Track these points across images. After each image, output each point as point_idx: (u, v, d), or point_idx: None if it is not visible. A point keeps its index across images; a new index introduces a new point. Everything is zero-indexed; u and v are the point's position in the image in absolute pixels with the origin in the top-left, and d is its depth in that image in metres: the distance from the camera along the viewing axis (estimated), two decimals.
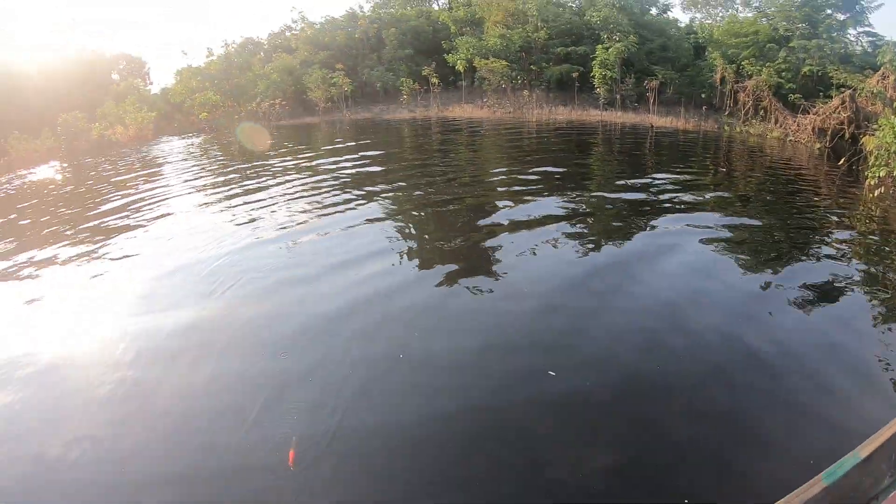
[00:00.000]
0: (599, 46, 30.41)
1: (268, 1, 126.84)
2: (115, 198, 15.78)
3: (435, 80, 35.47)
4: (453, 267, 8.32)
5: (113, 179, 19.91)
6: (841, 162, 16.53)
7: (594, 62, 30.46)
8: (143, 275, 9.00)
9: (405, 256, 8.95)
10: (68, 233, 12.32)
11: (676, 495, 4.03)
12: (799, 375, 5.60)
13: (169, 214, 13.05)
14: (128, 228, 11.93)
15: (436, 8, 50.33)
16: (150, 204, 14.31)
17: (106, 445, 4.87)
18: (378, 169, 17.43)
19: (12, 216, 14.96)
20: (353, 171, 17.16)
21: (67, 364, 6.30)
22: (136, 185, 17.83)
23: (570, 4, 36.34)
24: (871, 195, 12.27)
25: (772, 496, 2.46)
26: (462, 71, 35.79)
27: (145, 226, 12.10)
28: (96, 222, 12.96)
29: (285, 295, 7.82)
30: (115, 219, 13.02)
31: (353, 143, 24.34)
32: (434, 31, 42.73)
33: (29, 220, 14.23)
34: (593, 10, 32.26)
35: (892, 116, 12.10)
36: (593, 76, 30.70)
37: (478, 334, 6.40)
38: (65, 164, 27.65)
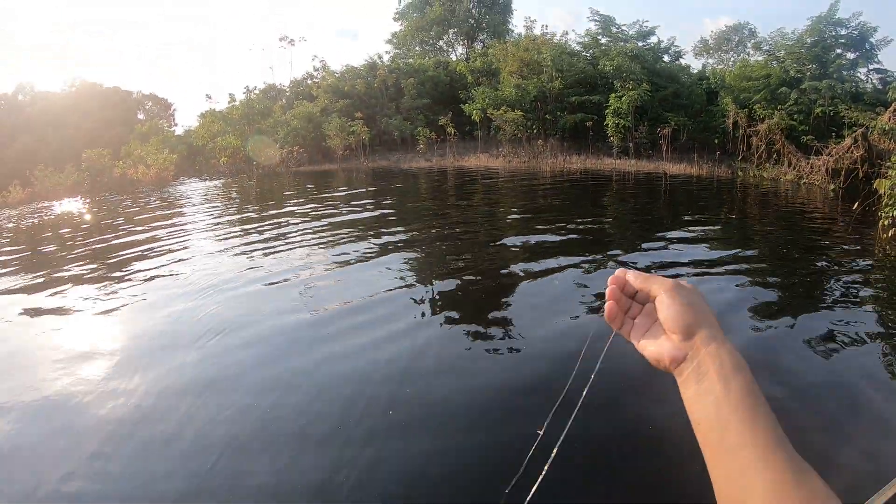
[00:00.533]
0: (612, 95, 31.02)
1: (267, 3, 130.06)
2: (133, 235, 16.53)
3: (451, 130, 36.27)
4: (473, 325, 8.21)
5: (134, 217, 20.79)
6: (855, 206, 16.57)
7: (607, 111, 31.05)
8: (147, 315, 9.20)
9: (419, 308, 8.96)
10: (80, 268, 12.92)
11: None
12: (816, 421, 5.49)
13: (183, 255, 13.39)
14: (139, 267, 12.30)
15: (453, 58, 51.79)
16: (166, 244, 14.80)
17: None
18: (394, 218, 17.87)
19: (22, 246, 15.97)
20: (369, 218, 17.61)
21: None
22: (156, 224, 18.60)
23: (584, 54, 37.03)
24: (884, 236, 12.11)
25: None
26: (478, 121, 36.58)
27: (158, 266, 12.41)
28: (113, 259, 13.51)
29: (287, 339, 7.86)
30: (129, 256, 13.56)
31: (370, 191, 25.01)
32: (451, 82, 43.94)
33: (43, 252, 15.21)
34: (606, 60, 32.85)
35: None
36: (606, 125, 31.24)
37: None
38: (87, 200, 28.71)
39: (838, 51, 30.24)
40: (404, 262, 11.79)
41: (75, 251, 14.98)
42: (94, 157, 35.13)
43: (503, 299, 9.29)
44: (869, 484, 3.46)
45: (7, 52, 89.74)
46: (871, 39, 30.20)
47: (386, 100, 43.94)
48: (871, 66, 30.75)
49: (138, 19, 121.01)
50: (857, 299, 9.08)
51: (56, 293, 10.83)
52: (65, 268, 13.02)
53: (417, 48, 56.94)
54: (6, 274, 13.12)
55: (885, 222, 12.17)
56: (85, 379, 6.79)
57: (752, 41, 34.48)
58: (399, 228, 15.56)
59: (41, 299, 10.55)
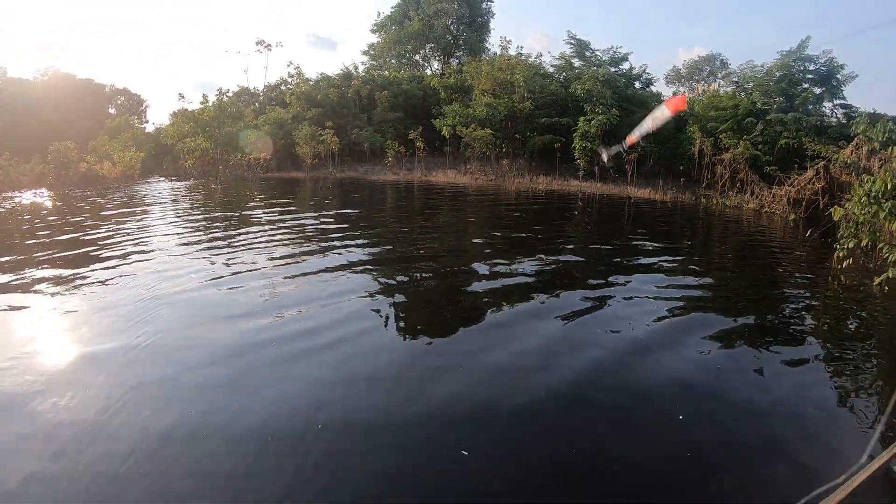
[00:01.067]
0: (582, 119, 31.04)
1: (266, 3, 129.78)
2: (92, 231, 16.10)
3: (420, 145, 36.04)
4: (427, 332, 8.27)
5: (97, 213, 20.29)
6: (808, 233, 16.58)
7: (575, 134, 31.07)
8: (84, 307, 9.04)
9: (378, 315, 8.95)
10: (35, 259, 12.61)
11: None
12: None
13: (138, 253, 13.11)
14: (91, 267, 11.86)
15: (429, 73, 51.67)
16: (122, 243, 14.38)
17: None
18: (356, 228, 17.58)
19: None
20: (331, 227, 17.37)
21: None
22: (116, 221, 18.16)
23: (557, 77, 37.14)
24: (838, 266, 12.06)
25: None
26: (447, 137, 36.39)
27: (109, 263, 12.09)
28: (67, 252, 13.19)
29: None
30: (82, 254, 13.14)
31: (335, 201, 24.68)
32: (425, 96, 43.76)
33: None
34: (578, 83, 32.93)
35: (860, 188, 11.36)
36: (574, 147, 31.26)
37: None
38: (51, 193, 28.04)
39: (805, 85, 30.66)
40: (362, 275, 11.47)
41: (30, 245, 14.40)
42: (61, 150, 34.09)
43: (459, 316, 9.15)
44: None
45: (7, 51, 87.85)
46: (838, 75, 30.61)
47: (358, 111, 43.60)
48: (836, 101, 31.12)
49: (138, 19, 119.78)
50: (806, 327, 9.32)
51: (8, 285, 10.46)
52: (19, 261, 12.52)
53: (393, 61, 56.73)
54: None
55: (840, 254, 11.97)
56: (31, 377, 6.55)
57: (723, 72, 34.76)
58: (359, 241, 15.18)
59: None
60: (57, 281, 10.68)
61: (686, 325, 8.91)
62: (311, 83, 47.04)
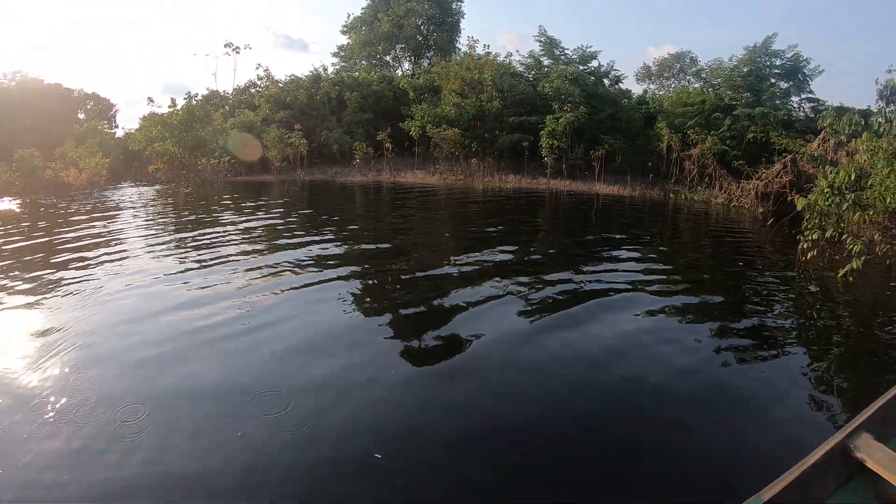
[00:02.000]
0: (549, 117, 30.82)
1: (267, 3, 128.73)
2: (56, 238, 15.70)
3: (389, 146, 35.57)
4: (406, 333, 8.21)
5: (59, 220, 19.75)
6: (769, 223, 16.39)
7: (542, 132, 30.84)
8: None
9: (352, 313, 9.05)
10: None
11: None
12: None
13: (99, 260, 12.76)
14: (48, 273, 11.55)
15: (400, 74, 51.24)
16: (85, 248, 14.13)
17: None
18: (325, 229, 17.26)
19: None
20: (295, 229, 17.18)
21: None
22: (81, 228, 17.57)
23: (526, 75, 36.90)
24: (803, 258, 11.77)
25: None
26: (415, 137, 35.98)
27: (70, 270, 11.77)
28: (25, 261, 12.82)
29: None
30: (38, 261, 12.88)
31: (304, 203, 24.73)
32: (395, 97, 43.26)
33: None
34: (546, 82, 32.71)
35: (823, 180, 11.39)
36: (541, 145, 31.03)
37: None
38: (16, 201, 27.36)
39: (772, 80, 30.81)
40: (338, 278, 11.12)
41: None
42: (26, 157, 33.23)
43: (434, 320, 8.84)
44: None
45: (6, 50, 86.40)
46: (805, 70, 30.78)
47: (328, 112, 42.99)
48: (803, 96, 31.35)
49: (138, 19, 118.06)
50: (770, 317, 9.31)
51: None
52: None
53: (364, 62, 56.17)
54: None
55: (805, 245, 11.76)
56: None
57: (693, 69, 34.73)
58: (328, 242, 14.92)
59: None
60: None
61: (657, 319, 8.82)
62: (280, 85, 46.32)
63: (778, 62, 30.81)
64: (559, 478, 4.70)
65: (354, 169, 37.30)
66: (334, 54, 59.11)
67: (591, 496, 4.49)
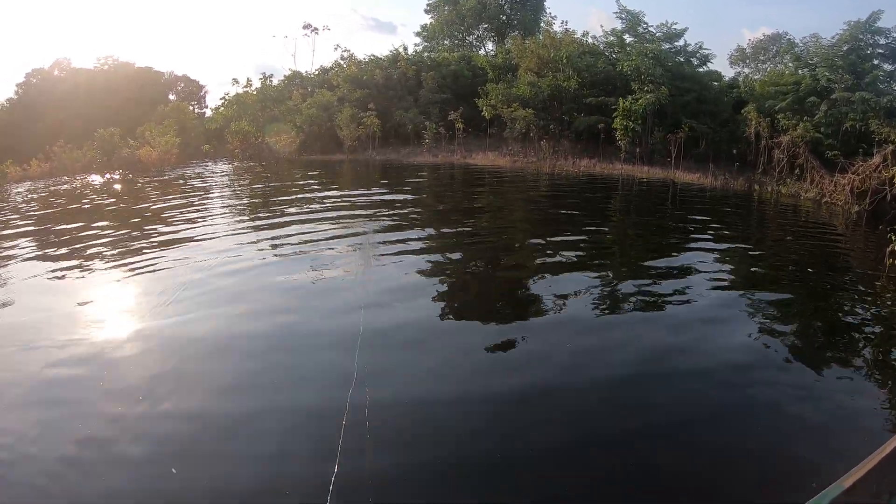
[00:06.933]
0: (623, 98, 29.31)
1: None
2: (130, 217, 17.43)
3: (460, 126, 34.93)
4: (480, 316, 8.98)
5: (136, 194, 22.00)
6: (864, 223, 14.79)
7: (616, 114, 29.39)
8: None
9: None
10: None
11: None
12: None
13: (176, 236, 14.32)
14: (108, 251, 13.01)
15: (482, 53, 50.35)
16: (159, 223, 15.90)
17: None
18: (401, 211, 18.06)
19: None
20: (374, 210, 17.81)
21: None
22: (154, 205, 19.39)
23: (606, 54, 35.31)
24: (891, 261, 10.84)
25: None
26: (488, 117, 35.18)
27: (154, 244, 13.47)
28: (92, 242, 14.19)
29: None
30: (109, 239, 14.22)
31: (369, 184, 24.95)
32: (473, 77, 42.44)
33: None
34: (626, 60, 31.20)
35: None
36: (615, 128, 29.59)
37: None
38: (94, 178, 30.11)
39: (875, 61, 28.16)
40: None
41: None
42: (105, 137, 35.26)
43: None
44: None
45: (46, 26, 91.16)
46: None
47: (404, 92, 42.79)
48: None
49: (199, 3, 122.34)
50: (854, 331, 8.72)
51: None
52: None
53: (447, 42, 55.52)
54: None
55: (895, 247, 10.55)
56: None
57: (791, 51, 32.33)
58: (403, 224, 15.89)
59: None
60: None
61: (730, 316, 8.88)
62: (361, 65, 46.48)
63: (883, 41, 28.06)
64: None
65: (425, 149, 36.92)
66: (417, 34, 58.91)
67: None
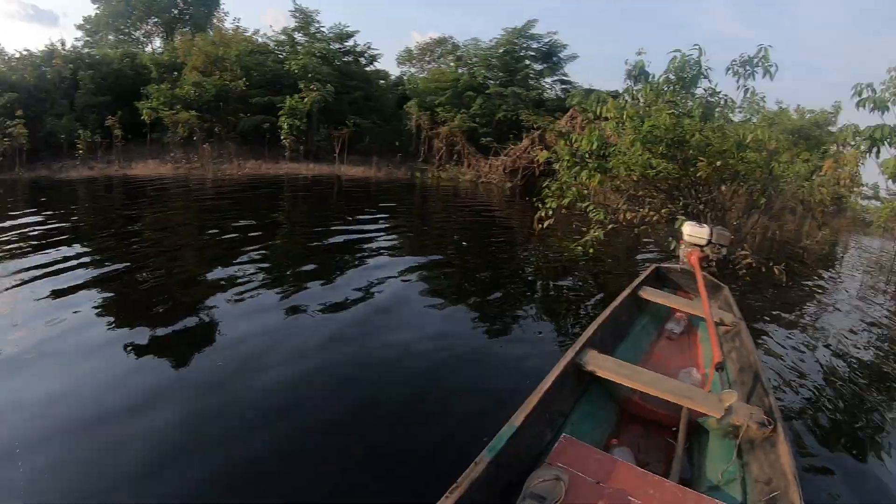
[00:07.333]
0: (292, 96, 28.36)
1: None
2: None
3: (118, 132, 30.83)
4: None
5: None
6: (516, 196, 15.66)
7: (281, 112, 28.60)
8: None
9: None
10: None
11: None
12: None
13: None
14: None
15: (148, 50, 45.64)
16: None
17: None
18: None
19: None
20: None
21: None
22: None
23: (277, 53, 33.84)
24: (539, 226, 11.61)
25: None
26: (148, 121, 31.55)
27: None
28: None
29: None
30: None
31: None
32: (136, 76, 37.91)
33: None
34: (294, 59, 30.06)
35: (566, 147, 11.43)
36: (280, 126, 28.63)
37: None
38: None
39: (527, 62, 31.05)
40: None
41: None
42: None
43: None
44: None
45: None
46: (560, 54, 31.32)
47: (59, 96, 36.75)
48: (556, 77, 31.82)
49: None
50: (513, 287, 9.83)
51: None
52: None
53: (111, 37, 49.42)
54: None
55: (542, 213, 11.42)
56: None
57: (454, 53, 34.03)
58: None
59: None
60: None
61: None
62: (12, 63, 39.03)
63: (535, 45, 31.18)
64: None
65: (80, 161, 31.94)
66: (79, 27, 50.96)
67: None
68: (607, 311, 5.09)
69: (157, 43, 49.64)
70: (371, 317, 7.75)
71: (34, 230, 13.36)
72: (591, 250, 10.57)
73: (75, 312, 7.34)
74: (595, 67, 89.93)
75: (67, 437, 4.54)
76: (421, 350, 6.69)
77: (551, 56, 31.51)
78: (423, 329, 7.45)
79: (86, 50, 43.26)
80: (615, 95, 18.92)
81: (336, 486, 4.12)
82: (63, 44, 43.10)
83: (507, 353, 6.64)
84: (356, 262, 10.75)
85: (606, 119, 11.34)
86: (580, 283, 10.25)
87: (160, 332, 7.14)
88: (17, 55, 40.09)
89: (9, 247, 11.37)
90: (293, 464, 4.37)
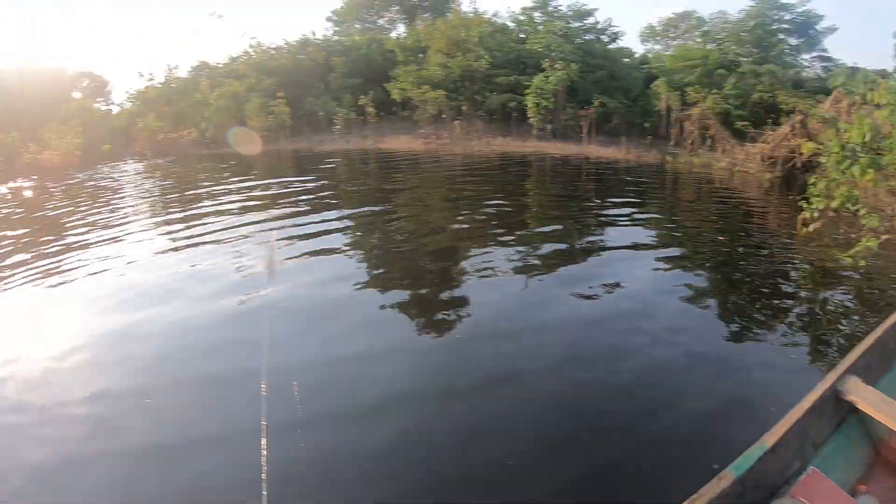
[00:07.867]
0: (537, 76, 28.69)
1: None
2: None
3: (371, 110, 33.55)
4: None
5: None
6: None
7: (527, 91, 28.85)
8: None
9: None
10: None
11: None
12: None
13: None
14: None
15: (393, 36, 48.87)
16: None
17: None
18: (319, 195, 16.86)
19: None
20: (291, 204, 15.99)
21: None
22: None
23: (517, 32, 34.67)
24: (804, 229, 10.43)
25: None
26: (398, 101, 33.95)
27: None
28: None
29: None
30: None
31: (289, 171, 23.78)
32: (384, 60, 41.02)
33: None
34: (535, 38, 30.65)
35: (834, 137, 9.58)
36: (527, 105, 29.00)
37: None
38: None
39: (781, 35, 28.68)
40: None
41: None
42: (6, 142, 32.19)
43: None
44: None
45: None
46: (816, 26, 28.71)
47: (315, 79, 40.87)
48: (814, 53, 29.23)
49: None
50: (767, 291, 9.01)
51: None
52: None
53: (357, 26, 53.68)
54: None
55: (809, 214, 9.90)
56: None
57: (699, 28, 32.72)
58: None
59: None
60: None
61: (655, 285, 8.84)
62: (272, 52, 44.23)
63: (787, 16, 28.66)
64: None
65: (338, 136, 35.33)
66: (327, 18, 56.45)
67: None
68: (875, 335, 4.54)
69: (401, 29, 52.91)
70: (623, 309, 7.81)
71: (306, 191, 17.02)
72: (861, 262, 8.82)
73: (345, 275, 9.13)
74: (858, 41, 79.91)
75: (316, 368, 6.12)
76: (668, 342, 6.73)
77: (807, 28, 29.14)
78: (672, 323, 7.39)
79: (335, 38, 47.52)
80: (884, 76, 17.25)
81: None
82: (314, 34, 48.31)
83: (752, 360, 6.38)
84: (607, 246, 10.89)
85: (878, 106, 10.09)
86: (846, 300, 8.84)
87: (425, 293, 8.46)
88: (274, 45, 45.83)
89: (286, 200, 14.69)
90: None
